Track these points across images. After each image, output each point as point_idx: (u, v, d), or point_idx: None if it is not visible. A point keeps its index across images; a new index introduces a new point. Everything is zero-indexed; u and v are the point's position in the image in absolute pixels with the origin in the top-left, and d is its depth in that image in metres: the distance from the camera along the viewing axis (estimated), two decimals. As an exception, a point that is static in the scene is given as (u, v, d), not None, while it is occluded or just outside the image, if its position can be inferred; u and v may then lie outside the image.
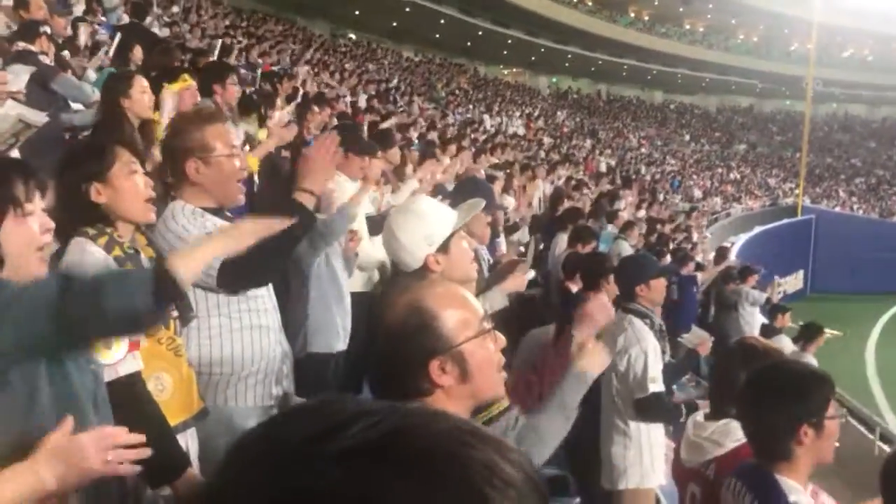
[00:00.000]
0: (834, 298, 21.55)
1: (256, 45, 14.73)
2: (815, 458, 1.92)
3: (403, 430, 0.52)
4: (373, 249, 4.00)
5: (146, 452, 1.54)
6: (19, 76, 3.65)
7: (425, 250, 2.21)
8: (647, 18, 44.30)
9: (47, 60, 4.80)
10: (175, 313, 2.24)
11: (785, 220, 26.61)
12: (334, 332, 3.63)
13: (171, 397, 2.19)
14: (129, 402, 1.95)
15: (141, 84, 4.11)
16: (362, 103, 13.92)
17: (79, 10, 8.52)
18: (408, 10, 32.08)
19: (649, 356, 3.69)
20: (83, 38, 7.18)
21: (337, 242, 3.72)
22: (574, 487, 4.58)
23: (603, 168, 23.89)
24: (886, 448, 7.49)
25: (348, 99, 13.78)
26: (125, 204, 2.15)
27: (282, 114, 5.38)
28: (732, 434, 2.37)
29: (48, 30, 5.12)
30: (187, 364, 2.31)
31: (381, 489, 0.48)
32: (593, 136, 33.89)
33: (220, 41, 5.36)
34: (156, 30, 10.45)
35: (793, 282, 23.79)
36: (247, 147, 4.65)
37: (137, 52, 6.35)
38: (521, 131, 25.20)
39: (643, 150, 36.47)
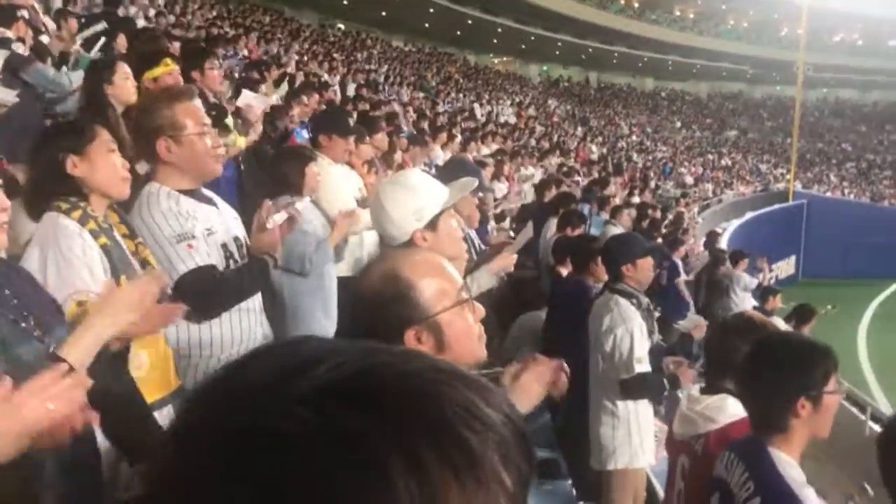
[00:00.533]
0: (826, 283, 21.62)
1: (244, 35, 14.63)
2: (811, 433, 1.91)
3: (373, 370, 0.48)
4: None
5: (88, 382, 1.50)
6: (-4, 56, 3.60)
7: (413, 225, 2.17)
8: (637, 5, 44.18)
9: (23, 48, 4.72)
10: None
11: (776, 206, 26.67)
12: (314, 320, 3.59)
13: (149, 375, 2.16)
14: (105, 378, 1.93)
15: (124, 70, 4.07)
16: (351, 93, 13.85)
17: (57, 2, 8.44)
18: (397, -1, 31.98)
19: (635, 336, 3.68)
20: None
21: (321, 229, 3.70)
22: (565, 470, 4.60)
23: (594, 156, 23.87)
24: (877, 428, 7.52)
25: (337, 89, 13.70)
26: (100, 177, 2.14)
27: (254, 100, 5.25)
28: (726, 410, 2.36)
29: (26, 14, 5.05)
30: (164, 341, 2.29)
31: (349, 430, 0.45)
32: (584, 123, 33.86)
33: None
34: (140, 21, 10.37)
35: (784, 267, 23.89)
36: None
37: (121, 41, 6.28)
38: (513, 120, 25.13)
39: (634, 137, 36.49)
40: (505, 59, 44.13)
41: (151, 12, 12.39)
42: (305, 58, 16.53)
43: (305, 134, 6.02)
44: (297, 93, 6.29)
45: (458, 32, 37.52)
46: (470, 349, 1.49)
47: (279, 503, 0.44)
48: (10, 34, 4.73)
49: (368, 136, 5.59)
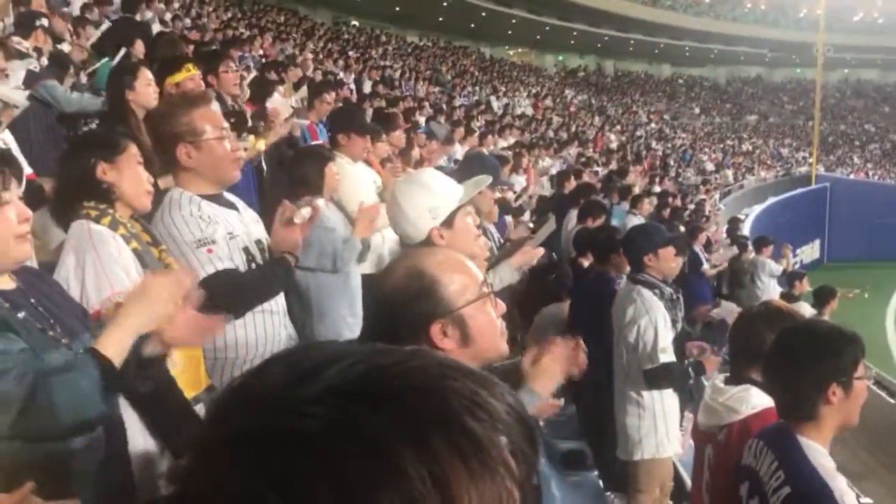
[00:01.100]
0: (851, 266, 21.37)
1: (259, 36, 14.70)
2: (841, 420, 1.91)
3: (381, 369, 0.52)
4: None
5: None
6: (16, 72, 3.64)
7: (429, 223, 2.18)
8: (652, -9, 43.81)
9: (35, 60, 4.73)
10: None
11: (799, 190, 26.38)
12: (340, 318, 3.61)
13: (181, 374, 2.20)
14: (155, 375, 1.98)
15: (146, 76, 4.11)
16: (367, 90, 13.87)
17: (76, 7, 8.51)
18: (410, -6, 31.92)
19: (659, 326, 3.66)
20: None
21: (345, 228, 3.72)
22: (591, 461, 4.60)
23: (613, 145, 23.73)
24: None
25: (353, 86, 13.74)
26: (126, 187, 2.19)
27: (281, 105, 5.30)
28: (749, 401, 2.34)
29: (45, 23, 5.08)
30: None
31: (362, 426, 0.48)
32: (602, 113, 33.65)
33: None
34: (156, 25, 10.45)
35: (809, 251, 23.64)
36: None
37: (139, 47, 6.33)
38: (529, 111, 25.04)
39: (653, 125, 36.19)
40: (520, 50, 43.93)
41: (167, 16, 12.48)
42: (321, 56, 16.57)
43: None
44: (320, 90, 6.31)
45: (473, 25, 37.39)
46: (493, 343, 1.51)
47: (300, 497, 0.47)
48: (27, 44, 4.77)
49: (386, 133, 5.61)
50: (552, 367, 1.76)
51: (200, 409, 2.32)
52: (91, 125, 4.41)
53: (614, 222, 7.59)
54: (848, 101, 49.31)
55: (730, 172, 30.22)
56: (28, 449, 1.55)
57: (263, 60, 11.03)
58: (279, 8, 24.98)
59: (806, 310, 8.47)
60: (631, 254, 3.99)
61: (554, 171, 11.66)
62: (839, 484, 1.81)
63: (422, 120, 11.80)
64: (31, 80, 4.16)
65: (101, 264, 2.07)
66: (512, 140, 13.19)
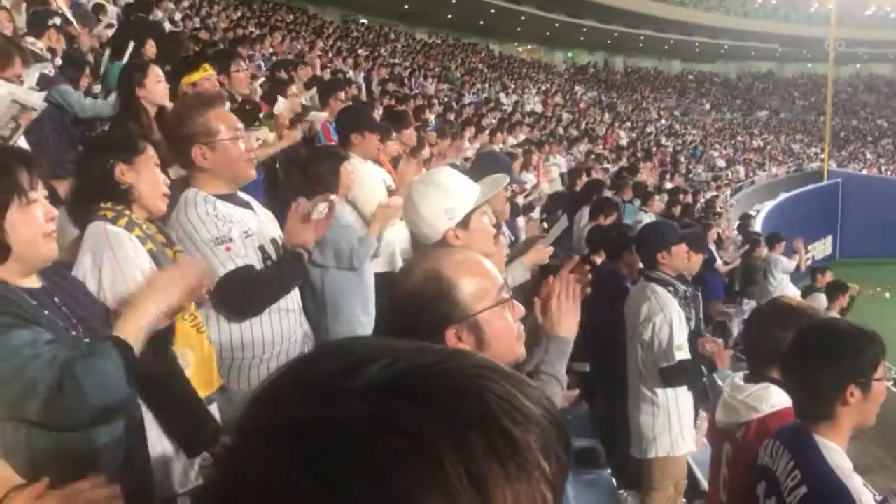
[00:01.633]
0: (864, 262, 21.20)
1: (269, 34, 14.72)
2: (858, 420, 1.89)
3: (422, 367, 0.53)
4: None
5: (117, 495, 1.52)
6: (31, 74, 3.66)
7: (445, 224, 2.17)
8: (661, -13, 43.58)
9: (51, 64, 4.74)
10: None
11: (811, 186, 26.22)
12: (353, 318, 3.61)
13: (195, 374, 2.21)
14: (167, 375, 1.99)
15: (156, 73, 4.13)
16: (376, 88, 13.88)
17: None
18: (419, -9, 31.90)
19: (674, 324, 3.65)
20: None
21: (360, 226, 3.73)
22: (605, 459, 4.59)
23: (623, 141, 23.65)
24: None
25: (362, 84, 13.74)
26: (143, 188, 2.22)
27: (287, 109, 5.29)
28: (769, 399, 2.33)
29: (58, 21, 5.09)
30: (208, 341, 2.34)
31: (403, 422, 0.49)
32: (612, 109, 33.54)
33: (131, 42, 5.23)
34: (167, 24, 10.47)
35: (821, 247, 23.49)
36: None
37: (151, 47, 6.36)
38: (539, 108, 24.99)
39: (663, 121, 36.05)
40: (529, 47, 43.82)
41: (178, 16, 12.53)
42: (330, 54, 16.59)
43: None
44: (333, 89, 6.30)
45: (482, 22, 37.32)
46: (509, 348, 1.49)
47: (343, 488, 0.48)
48: (41, 44, 4.78)
49: (396, 131, 5.61)
50: (564, 305, 1.79)
51: (213, 410, 2.34)
52: (105, 126, 4.43)
53: (626, 219, 7.57)
54: (860, 96, 48.94)
55: (741, 168, 30.08)
56: (54, 442, 1.56)
57: (274, 59, 11.05)
58: (288, 7, 25.03)
59: (822, 300, 8.47)
60: (644, 251, 3.98)
61: (563, 169, 11.63)
62: (856, 484, 1.80)
63: (431, 117, 11.78)
64: (44, 83, 4.18)
65: (118, 265, 2.09)
66: (522, 137, 13.17)
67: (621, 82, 43.00)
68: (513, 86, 28.04)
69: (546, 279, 1.86)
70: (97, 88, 5.61)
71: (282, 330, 2.58)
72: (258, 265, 2.55)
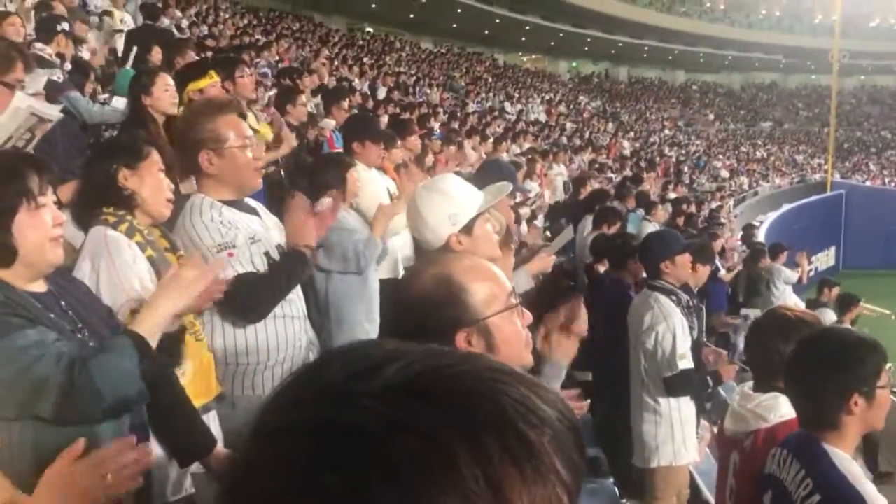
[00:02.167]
0: (867, 274, 21.14)
1: (275, 42, 14.78)
2: (864, 427, 1.90)
3: (437, 370, 0.53)
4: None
5: (149, 454, 1.56)
6: (37, 79, 3.66)
7: (448, 229, 2.18)
8: (666, -2, 43.73)
9: (60, 70, 4.77)
10: None
11: (814, 197, 26.20)
12: (357, 324, 3.61)
13: (191, 382, 2.21)
14: (161, 383, 1.99)
15: (164, 81, 4.13)
16: (381, 96, 13.92)
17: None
18: (424, 0, 31.98)
19: (677, 333, 3.65)
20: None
21: (365, 231, 3.74)
22: (607, 468, 4.58)
23: (626, 151, 23.67)
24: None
25: (367, 92, 13.78)
26: (147, 194, 2.21)
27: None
28: (778, 409, 2.32)
29: (66, 27, 5.12)
30: (206, 350, 2.34)
31: (420, 424, 0.49)
32: (615, 119, 33.58)
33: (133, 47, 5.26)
34: (174, 32, 10.53)
35: (824, 258, 23.44)
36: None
37: (156, 54, 6.39)
38: (543, 118, 25.03)
39: (667, 131, 36.09)
40: (534, 56, 43.94)
41: (185, 23, 12.59)
42: (336, 62, 16.64)
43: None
44: (337, 98, 6.32)
45: (487, 32, 37.45)
46: (518, 353, 1.49)
47: (363, 488, 0.48)
48: (49, 50, 4.81)
49: (401, 139, 5.63)
50: (564, 342, 1.84)
51: (211, 418, 2.34)
52: (113, 132, 4.45)
53: (629, 229, 7.57)
54: (864, 108, 48.93)
55: (744, 179, 30.08)
56: (61, 439, 1.57)
57: (279, 66, 11.09)
58: (294, 15, 25.14)
59: (829, 316, 8.45)
60: (648, 260, 3.99)
61: (566, 178, 11.65)
62: (869, 489, 1.80)
63: (436, 126, 11.81)
64: (52, 89, 4.20)
65: (116, 270, 2.09)
66: (526, 146, 13.20)
67: (625, 92, 43.07)
68: (517, 95, 28.09)
69: (548, 312, 1.90)
70: (105, 95, 5.65)
71: (287, 336, 2.58)
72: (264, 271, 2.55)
